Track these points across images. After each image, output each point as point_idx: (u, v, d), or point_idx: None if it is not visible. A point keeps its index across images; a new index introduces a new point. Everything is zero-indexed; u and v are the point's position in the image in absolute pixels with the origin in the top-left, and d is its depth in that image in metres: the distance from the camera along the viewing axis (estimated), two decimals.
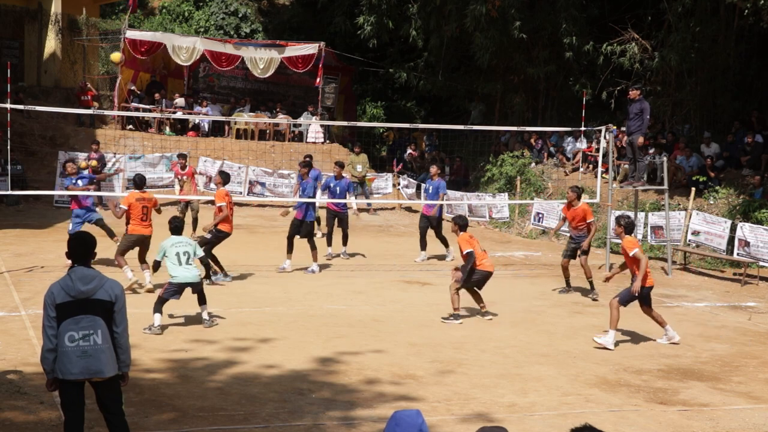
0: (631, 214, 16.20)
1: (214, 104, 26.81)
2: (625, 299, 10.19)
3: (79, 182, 14.13)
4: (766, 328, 11.52)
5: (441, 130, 25.62)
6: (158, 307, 10.09)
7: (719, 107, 21.19)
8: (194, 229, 17.18)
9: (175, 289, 10.24)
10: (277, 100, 27.86)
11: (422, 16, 25.50)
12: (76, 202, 14.01)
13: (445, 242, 16.33)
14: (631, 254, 10.17)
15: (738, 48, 20.93)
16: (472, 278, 11.20)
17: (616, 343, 10.06)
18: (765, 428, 7.43)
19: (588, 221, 13.62)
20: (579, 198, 13.74)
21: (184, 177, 18.01)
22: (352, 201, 16.71)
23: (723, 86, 21.02)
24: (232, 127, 25.53)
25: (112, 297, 5.48)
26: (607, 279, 11.05)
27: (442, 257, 16.42)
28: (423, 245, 16.31)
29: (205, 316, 10.33)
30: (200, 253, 10.68)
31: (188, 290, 10.34)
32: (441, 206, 16.46)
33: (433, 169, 16.98)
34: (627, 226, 10.55)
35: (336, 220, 16.23)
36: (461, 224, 11.36)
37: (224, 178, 13.70)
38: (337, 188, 16.01)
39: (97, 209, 16.25)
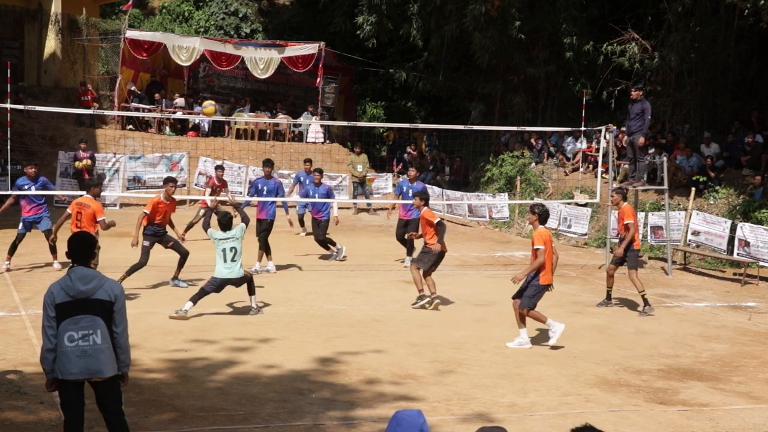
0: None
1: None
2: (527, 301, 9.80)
3: (33, 188, 13.87)
4: (766, 328, 11.52)
5: (441, 130, 25.63)
6: (196, 298, 10.59)
7: (719, 107, 21.18)
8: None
9: (215, 286, 10.69)
10: (277, 100, 27.87)
11: (422, 16, 25.49)
12: (26, 208, 13.71)
13: (411, 247, 15.20)
14: (533, 247, 9.74)
15: (738, 48, 20.93)
16: (429, 258, 11.90)
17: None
18: (765, 428, 7.43)
19: (624, 222, 12.37)
20: (624, 199, 12.78)
21: (218, 189, 17.99)
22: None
23: (723, 86, 21.01)
24: (232, 127, 25.54)
25: (112, 297, 5.48)
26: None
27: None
28: (410, 249, 15.33)
29: (252, 304, 10.87)
30: (243, 232, 10.91)
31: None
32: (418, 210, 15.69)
33: (412, 172, 16.25)
34: (541, 215, 9.90)
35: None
36: (426, 199, 12.30)
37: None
38: (265, 188, 15.09)
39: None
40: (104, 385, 5.53)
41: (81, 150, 21.78)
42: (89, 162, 21.81)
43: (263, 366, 8.63)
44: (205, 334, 9.87)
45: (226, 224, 10.83)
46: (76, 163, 21.66)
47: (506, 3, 22.08)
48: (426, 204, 12.15)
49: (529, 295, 9.83)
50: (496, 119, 25.64)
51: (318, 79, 26.31)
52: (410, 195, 15.36)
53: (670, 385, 8.55)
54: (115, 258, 13.91)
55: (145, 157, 23.01)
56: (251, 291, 10.97)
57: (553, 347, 9.79)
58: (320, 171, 16.46)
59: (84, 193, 12.24)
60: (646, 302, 12.08)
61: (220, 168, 18.04)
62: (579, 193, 20.41)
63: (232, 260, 10.62)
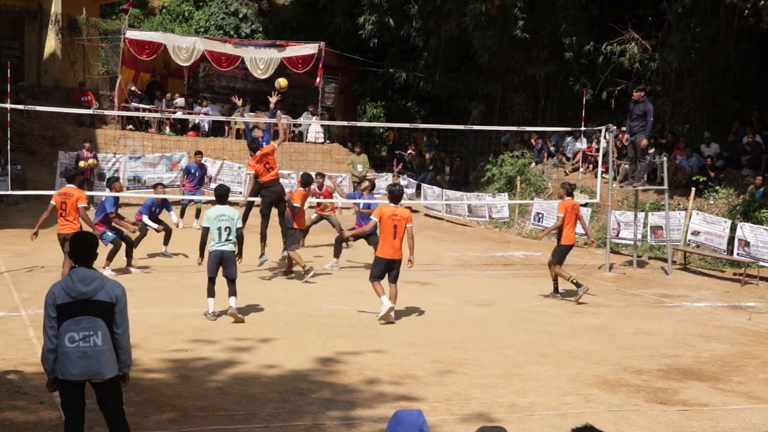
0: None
1: (214, 104, 26.82)
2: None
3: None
4: (766, 328, 11.52)
5: (441, 130, 25.62)
6: (209, 291, 10.63)
7: (719, 107, 21.18)
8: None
9: (213, 261, 10.62)
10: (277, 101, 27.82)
11: (423, 15, 25.49)
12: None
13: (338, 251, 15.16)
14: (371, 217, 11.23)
15: (738, 48, 20.92)
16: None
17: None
18: (765, 428, 7.43)
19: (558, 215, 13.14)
20: (568, 194, 13.38)
21: (321, 197, 17.87)
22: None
23: (723, 86, 21.01)
24: (232, 127, 25.53)
25: (113, 298, 5.47)
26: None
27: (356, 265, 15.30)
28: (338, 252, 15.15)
29: (231, 304, 10.58)
30: (240, 224, 10.90)
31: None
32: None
33: (364, 184, 16.01)
34: (391, 193, 10.93)
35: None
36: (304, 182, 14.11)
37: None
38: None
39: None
40: (105, 386, 5.53)
41: (85, 150, 21.75)
42: (95, 161, 21.80)
43: (263, 366, 8.63)
44: (205, 334, 9.87)
45: (222, 195, 11.04)
46: (81, 162, 21.63)
47: (507, 2, 22.08)
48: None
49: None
50: (496, 119, 25.62)
51: (318, 79, 26.31)
52: (361, 206, 15.49)
53: (670, 385, 8.55)
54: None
55: (145, 157, 22.99)
56: (232, 291, 10.66)
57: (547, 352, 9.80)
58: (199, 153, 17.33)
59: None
60: (578, 285, 12.60)
61: (320, 176, 17.87)
62: (579, 193, 20.40)
63: (227, 239, 10.66)
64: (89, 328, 5.40)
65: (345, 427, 6.97)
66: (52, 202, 12.39)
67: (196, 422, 6.92)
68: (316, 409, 7.35)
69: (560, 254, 12.87)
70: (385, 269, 10.87)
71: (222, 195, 11.00)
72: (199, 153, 20.28)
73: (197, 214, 18.95)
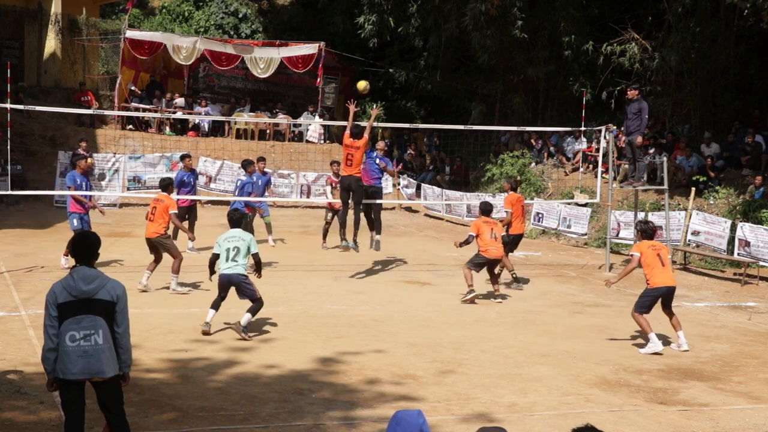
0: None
1: (214, 104, 26.83)
2: None
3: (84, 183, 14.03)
4: (766, 328, 11.52)
5: (441, 130, 25.63)
6: (214, 301, 9.97)
7: (719, 107, 21.17)
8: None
9: (221, 284, 9.95)
10: (277, 100, 27.87)
11: (422, 15, 25.50)
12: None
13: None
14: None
15: (738, 48, 20.91)
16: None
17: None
18: (765, 428, 7.43)
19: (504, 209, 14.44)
20: (513, 189, 14.64)
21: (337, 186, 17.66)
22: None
23: (723, 86, 21.00)
24: (232, 127, 25.55)
25: (114, 297, 5.48)
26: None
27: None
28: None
29: (242, 321, 9.82)
30: (254, 249, 10.04)
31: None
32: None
33: (380, 144, 15.61)
34: (644, 232, 10.50)
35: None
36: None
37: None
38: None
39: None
40: (105, 385, 5.53)
41: (81, 149, 21.74)
42: (91, 161, 21.79)
43: (263, 366, 8.64)
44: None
45: (234, 219, 10.33)
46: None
47: (507, 2, 22.07)
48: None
49: None
50: (496, 119, 25.62)
51: (318, 79, 26.33)
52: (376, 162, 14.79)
53: (670, 385, 8.55)
54: (115, 258, 13.93)
55: (145, 157, 23.00)
56: (252, 308, 9.92)
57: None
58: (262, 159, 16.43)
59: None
60: (516, 279, 13.77)
61: (335, 163, 17.51)
62: (579, 193, 20.41)
63: (234, 259, 9.91)
64: (90, 326, 5.41)
65: (345, 427, 6.97)
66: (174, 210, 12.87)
67: (196, 422, 6.92)
68: (316, 409, 7.35)
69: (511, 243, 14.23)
70: (660, 299, 10.13)
71: (234, 219, 10.31)
72: (262, 159, 16.95)
73: (269, 229, 17.18)
